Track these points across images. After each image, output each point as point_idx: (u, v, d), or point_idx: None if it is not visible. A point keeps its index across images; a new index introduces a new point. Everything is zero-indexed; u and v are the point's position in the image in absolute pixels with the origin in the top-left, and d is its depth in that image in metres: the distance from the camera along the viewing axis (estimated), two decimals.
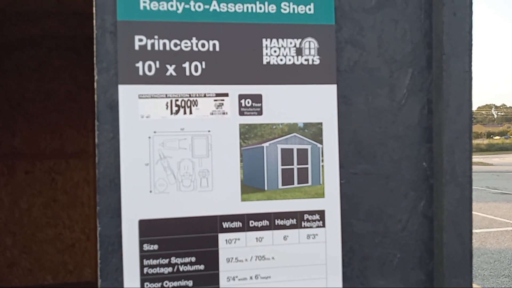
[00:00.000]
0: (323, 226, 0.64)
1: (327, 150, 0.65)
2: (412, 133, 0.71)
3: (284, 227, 0.63)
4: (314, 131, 0.64)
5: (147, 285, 0.56)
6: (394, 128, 0.70)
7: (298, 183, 0.64)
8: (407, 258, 0.71)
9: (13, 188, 2.30)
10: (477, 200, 6.26)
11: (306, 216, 0.64)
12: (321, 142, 0.65)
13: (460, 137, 0.69)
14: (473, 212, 0.72)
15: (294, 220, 0.63)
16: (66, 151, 2.35)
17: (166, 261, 0.57)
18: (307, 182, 0.64)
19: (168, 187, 0.58)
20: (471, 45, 0.68)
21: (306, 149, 0.64)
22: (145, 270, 0.57)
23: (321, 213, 0.64)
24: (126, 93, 0.57)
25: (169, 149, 0.58)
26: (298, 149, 0.64)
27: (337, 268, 0.65)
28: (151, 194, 0.57)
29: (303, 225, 0.63)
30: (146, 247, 0.57)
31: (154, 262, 0.57)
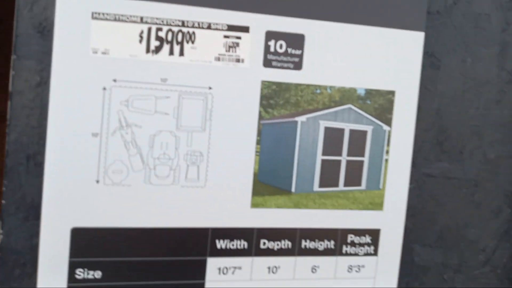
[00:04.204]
0: (375, 254, 0.41)
1: (397, 137, 0.40)
2: None
3: (314, 252, 0.39)
4: (380, 104, 0.40)
5: None
6: (496, 112, 0.45)
7: (346, 185, 0.40)
8: None
9: None
10: None
11: (350, 238, 0.40)
12: (389, 122, 0.40)
13: None
14: None
15: (332, 242, 0.40)
16: None
17: None
18: (360, 185, 0.40)
19: (129, 176, 0.34)
20: None
21: (365, 132, 0.40)
22: None
23: (375, 234, 0.41)
24: (69, 8, 0.32)
25: (137, 111, 0.34)
26: (352, 131, 0.39)
27: None
28: (98, 186, 0.34)
29: (344, 251, 0.40)
30: (80, 273, 0.34)
31: None
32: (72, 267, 0.33)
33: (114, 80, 0.33)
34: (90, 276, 0.34)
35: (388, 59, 0.39)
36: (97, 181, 0.33)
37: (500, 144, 0.46)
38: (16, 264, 0.33)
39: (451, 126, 0.44)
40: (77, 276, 0.34)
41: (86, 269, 0.34)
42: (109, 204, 0.34)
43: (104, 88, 0.33)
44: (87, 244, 0.34)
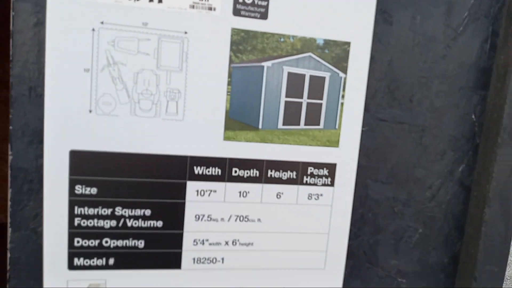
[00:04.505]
0: (331, 184, 0.47)
1: (351, 83, 0.46)
2: (465, 74, 0.52)
3: (279, 181, 0.46)
4: (337, 54, 0.45)
5: (78, 242, 0.40)
6: (442, 65, 0.51)
7: (306, 124, 0.46)
8: (431, 235, 0.55)
9: None
10: None
11: (310, 170, 0.46)
12: (345, 70, 0.46)
13: None
14: None
15: (294, 173, 0.46)
16: None
17: (108, 211, 0.41)
18: (318, 124, 0.46)
19: (117, 108, 0.40)
20: None
21: (323, 78, 0.46)
22: (76, 221, 0.40)
23: (331, 168, 0.47)
24: None
25: (122, 51, 0.39)
26: (311, 76, 0.45)
27: (341, 239, 0.49)
28: (91, 116, 0.39)
29: (305, 181, 0.46)
30: (79, 189, 0.40)
31: (90, 211, 0.40)
32: (72, 184, 0.39)
33: (102, 22, 0.38)
34: (87, 192, 0.40)
35: (345, 13, 0.45)
36: (90, 111, 0.39)
37: (445, 94, 0.52)
38: (25, 181, 0.39)
39: (402, 77, 0.50)
40: (76, 192, 0.40)
41: (84, 186, 0.40)
42: (101, 131, 0.39)
43: (93, 29, 0.38)
44: (84, 164, 0.39)
